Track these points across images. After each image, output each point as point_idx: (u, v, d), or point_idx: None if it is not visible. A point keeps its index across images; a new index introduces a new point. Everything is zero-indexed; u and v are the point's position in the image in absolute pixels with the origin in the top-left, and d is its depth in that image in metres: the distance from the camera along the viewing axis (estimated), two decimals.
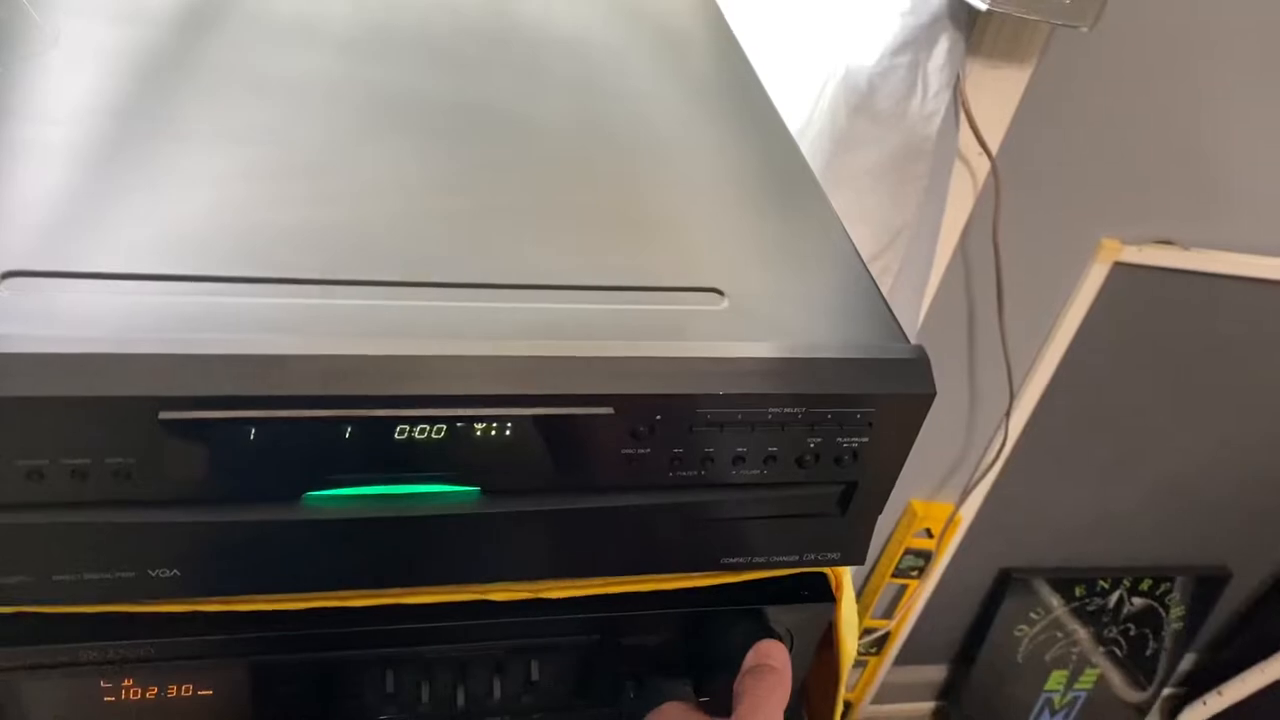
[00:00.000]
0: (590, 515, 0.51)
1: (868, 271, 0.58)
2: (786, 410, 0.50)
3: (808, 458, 0.52)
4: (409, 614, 0.53)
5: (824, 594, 0.61)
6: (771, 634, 0.59)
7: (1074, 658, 1.72)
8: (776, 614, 0.60)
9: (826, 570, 0.61)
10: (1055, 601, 1.63)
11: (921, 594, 1.54)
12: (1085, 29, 0.87)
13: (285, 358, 0.43)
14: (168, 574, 0.48)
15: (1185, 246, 1.22)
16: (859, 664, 1.65)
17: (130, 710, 0.53)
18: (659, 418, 0.48)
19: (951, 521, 1.43)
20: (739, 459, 0.51)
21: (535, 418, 0.47)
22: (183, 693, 0.54)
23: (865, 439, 0.52)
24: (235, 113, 0.58)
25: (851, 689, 1.69)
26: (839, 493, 0.55)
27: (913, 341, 0.53)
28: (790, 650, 0.60)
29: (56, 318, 0.43)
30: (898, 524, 1.48)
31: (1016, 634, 1.65)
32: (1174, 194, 1.19)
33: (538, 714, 0.59)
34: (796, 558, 0.58)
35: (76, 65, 0.59)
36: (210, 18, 0.66)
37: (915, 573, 1.49)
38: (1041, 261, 1.21)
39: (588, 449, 0.48)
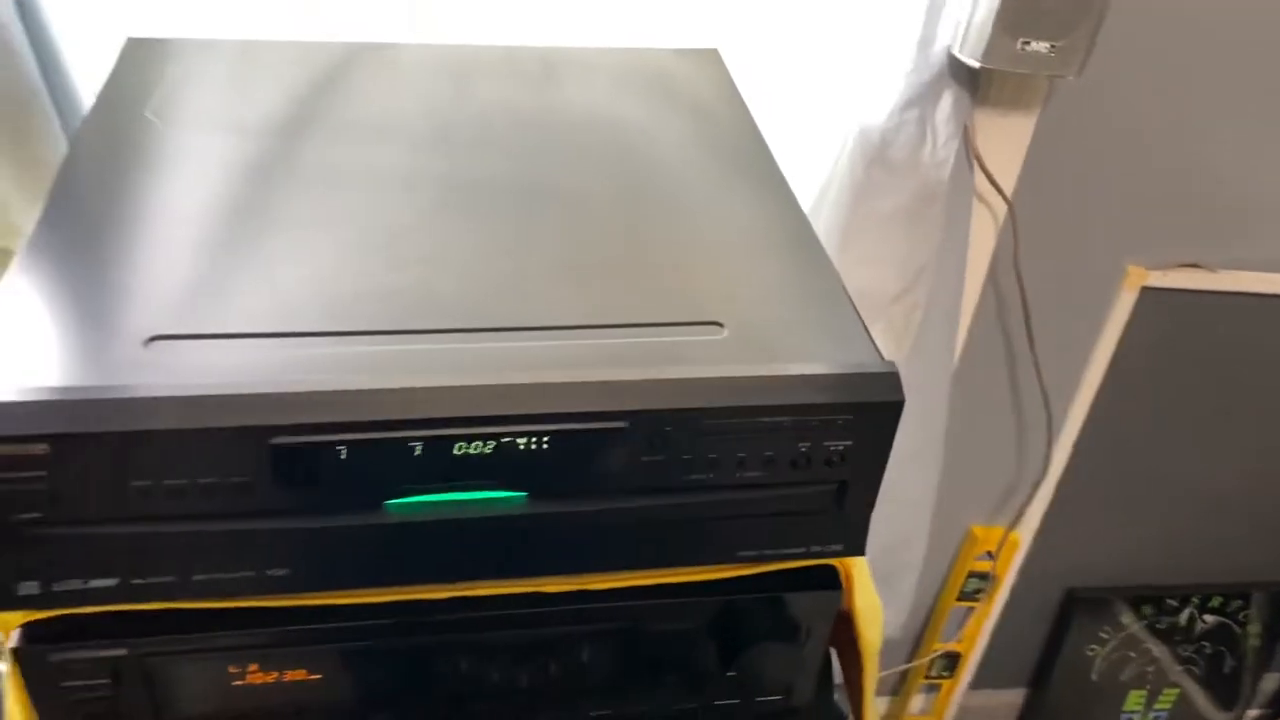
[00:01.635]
0: (618, 514, 0.62)
1: (852, 304, 0.68)
2: (778, 419, 0.60)
3: (800, 460, 0.62)
4: (476, 604, 0.64)
5: (832, 584, 0.70)
6: (787, 620, 0.69)
7: (1151, 677, 1.74)
8: (790, 600, 0.69)
9: (834, 562, 0.70)
10: (1125, 620, 1.66)
11: (989, 616, 1.59)
12: (1072, 78, 0.97)
13: (366, 392, 0.56)
14: (280, 573, 0.60)
15: (1212, 269, 1.28)
16: (933, 688, 1.70)
17: (254, 693, 0.65)
18: (668, 429, 0.59)
19: (1008, 543, 1.49)
20: (741, 463, 0.61)
21: (566, 432, 0.58)
22: (296, 676, 0.65)
23: (849, 441, 0.62)
24: (325, 201, 0.71)
25: (927, 712, 1.73)
26: (833, 491, 0.64)
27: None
28: (805, 636, 0.70)
29: (190, 369, 0.56)
30: (959, 549, 1.54)
31: (1089, 654, 1.68)
32: (1196, 218, 1.25)
33: (589, 695, 0.69)
34: (803, 550, 0.67)
35: (195, 168, 0.73)
36: (302, 124, 0.80)
37: (980, 595, 1.55)
38: (1070, 292, 1.28)
39: (612, 458, 0.59)
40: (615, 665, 0.69)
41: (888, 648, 1.53)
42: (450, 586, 0.64)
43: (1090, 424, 1.40)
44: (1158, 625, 1.69)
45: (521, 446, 0.58)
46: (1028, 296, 1.22)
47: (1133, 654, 1.70)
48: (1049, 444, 1.37)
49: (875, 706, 0.81)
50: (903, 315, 1.15)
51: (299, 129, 0.79)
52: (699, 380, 0.59)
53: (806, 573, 0.69)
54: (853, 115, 1.07)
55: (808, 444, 0.62)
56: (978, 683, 1.73)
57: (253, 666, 0.64)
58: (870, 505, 0.66)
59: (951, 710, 1.74)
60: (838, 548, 0.68)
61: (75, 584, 0.58)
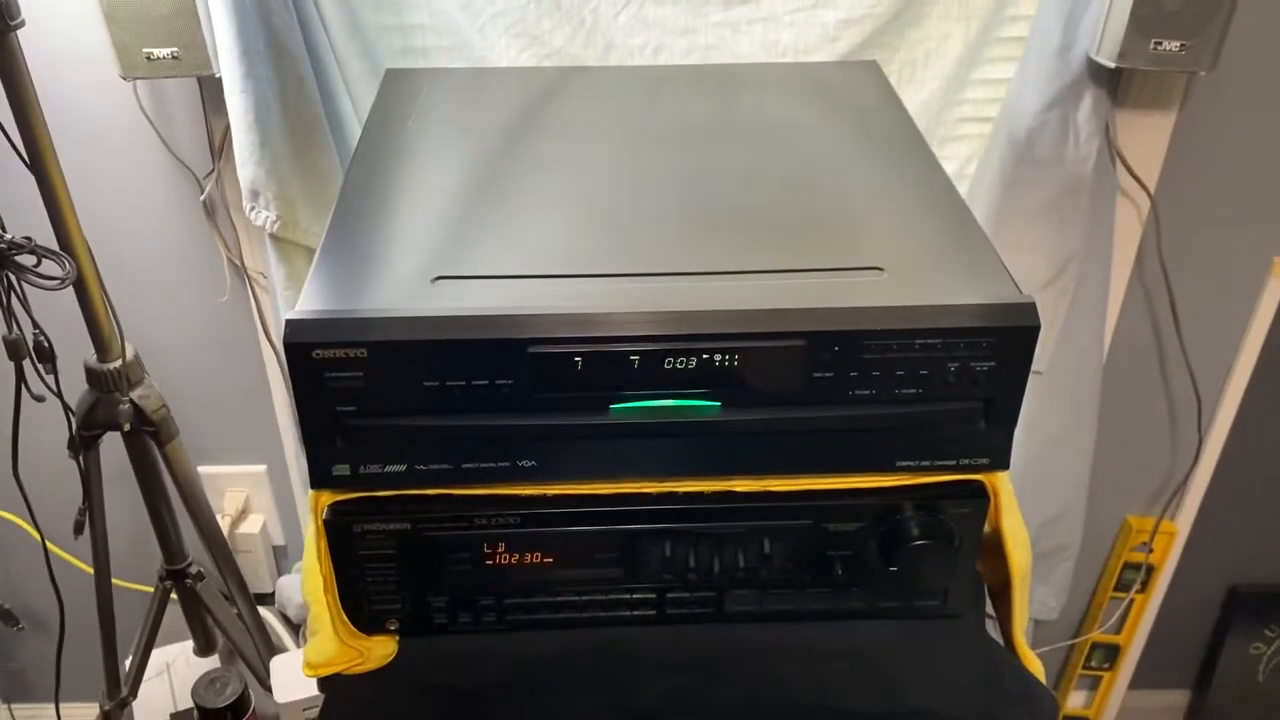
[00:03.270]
0: (795, 423, 0.75)
1: (995, 251, 0.80)
2: (929, 342, 0.73)
3: (950, 378, 0.74)
4: (680, 499, 0.79)
5: (981, 495, 0.81)
6: (941, 525, 0.80)
7: None
8: (943, 506, 0.80)
9: (981, 477, 0.81)
10: None
11: (1148, 609, 1.63)
12: (1204, 73, 1.06)
13: (597, 315, 0.71)
14: (528, 464, 0.76)
15: None
16: (1093, 680, 1.74)
17: (501, 573, 0.81)
18: (837, 348, 0.72)
19: (1164, 534, 1.54)
20: (899, 380, 0.74)
21: (752, 350, 0.72)
22: (533, 559, 0.81)
23: (992, 363, 0.74)
24: (552, 183, 0.88)
25: (1088, 706, 1.77)
26: (980, 407, 0.76)
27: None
28: (957, 542, 0.81)
29: (466, 298, 0.73)
30: (1115, 539, 1.60)
31: (1253, 652, 1.69)
32: None
33: (772, 586, 0.82)
34: (954, 463, 0.79)
35: (452, 161, 0.91)
36: (529, 128, 0.98)
37: (1138, 587, 1.60)
38: (1216, 282, 1.35)
39: (790, 373, 0.73)
40: (794, 559, 0.81)
41: (1046, 632, 1.59)
42: (659, 481, 0.78)
43: (1244, 414, 1.45)
44: None
45: (717, 362, 0.72)
46: (1173, 286, 1.29)
47: None
48: (1200, 432, 1.43)
49: (1025, 635, 0.91)
50: (1054, 299, 1.25)
51: (527, 132, 0.97)
52: (863, 309, 0.73)
53: (959, 485, 0.81)
54: (1001, 116, 1.19)
55: (956, 364, 0.74)
56: (1138, 682, 1.76)
57: (501, 546, 0.80)
58: (1012, 423, 0.77)
59: (1112, 709, 1.77)
60: (984, 461, 0.79)
61: (375, 468, 0.76)
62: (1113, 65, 1.08)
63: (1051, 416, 1.34)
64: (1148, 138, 1.23)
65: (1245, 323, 1.38)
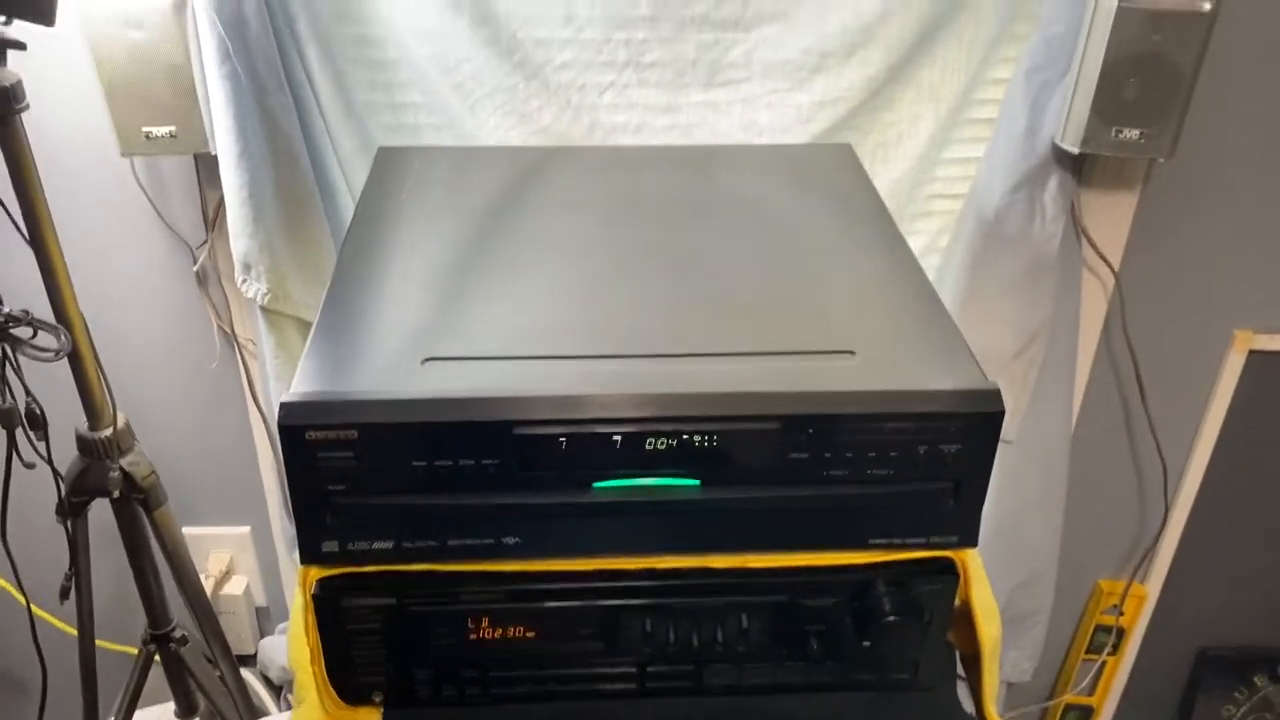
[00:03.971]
0: (771, 501, 0.78)
1: (961, 337, 0.83)
2: (900, 425, 0.76)
3: (919, 460, 0.77)
4: (659, 575, 0.81)
5: (950, 572, 0.84)
6: (912, 601, 0.83)
7: None
8: (915, 584, 0.83)
9: (951, 554, 0.84)
10: (1258, 680, 1.69)
11: (1119, 670, 1.66)
12: (1163, 160, 1.11)
13: (581, 397, 0.74)
14: (513, 541, 0.78)
15: None
16: None
17: (484, 647, 0.83)
18: (811, 431, 0.75)
19: (1135, 597, 1.57)
20: (870, 461, 0.77)
21: (730, 431, 0.75)
22: (516, 633, 0.83)
23: (959, 445, 0.77)
24: (539, 262, 0.92)
25: None
26: (948, 488, 0.79)
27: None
28: (928, 618, 0.84)
29: (454, 380, 0.76)
30: (1087, 602, 1.63)
31: (1224, 714, 1.72)
32: None
33: (749, 659, 0.85)
34: (924, 540, 0.82)
35: (442, 239, 0.94)
36: (517, 205, 1.02)
37: (1110, 649, 1.62)
38: (1180, 354, 1.39)
39: (766, 454, 0.76)
40: (771, 633, 0.84)
41: (1020, 694, 1.62)
42: (639, 558, 0.81)
43: (1209, 480, 1.49)
44: None
45: (696, 443, 0.75)
46: (1138, 358, 1.34)
47: (1268, 716, 1.73)
48: (1166, 499, 1.46)
49: (995, 704, 0.93)
50: (1022, 371, 1.29)
51: (515, 212, 1.01)
52: (836, 393, 0.76)
53: (929, 562, 0.83)
54: (971, 194, 1.24)
55: (925, 446, 0.77)
56: None
57: (485, 620, 0.82)
58: (980, 503, 0.80)
59: None
60: (953, 539, 0.82)
61: (362, 545, 0.78)
62: (1077, 151, 1.12)
63: (1022, 483, 1.37)
64: (1111, 217, 1.28)
65: (1209, 393, 1.43)
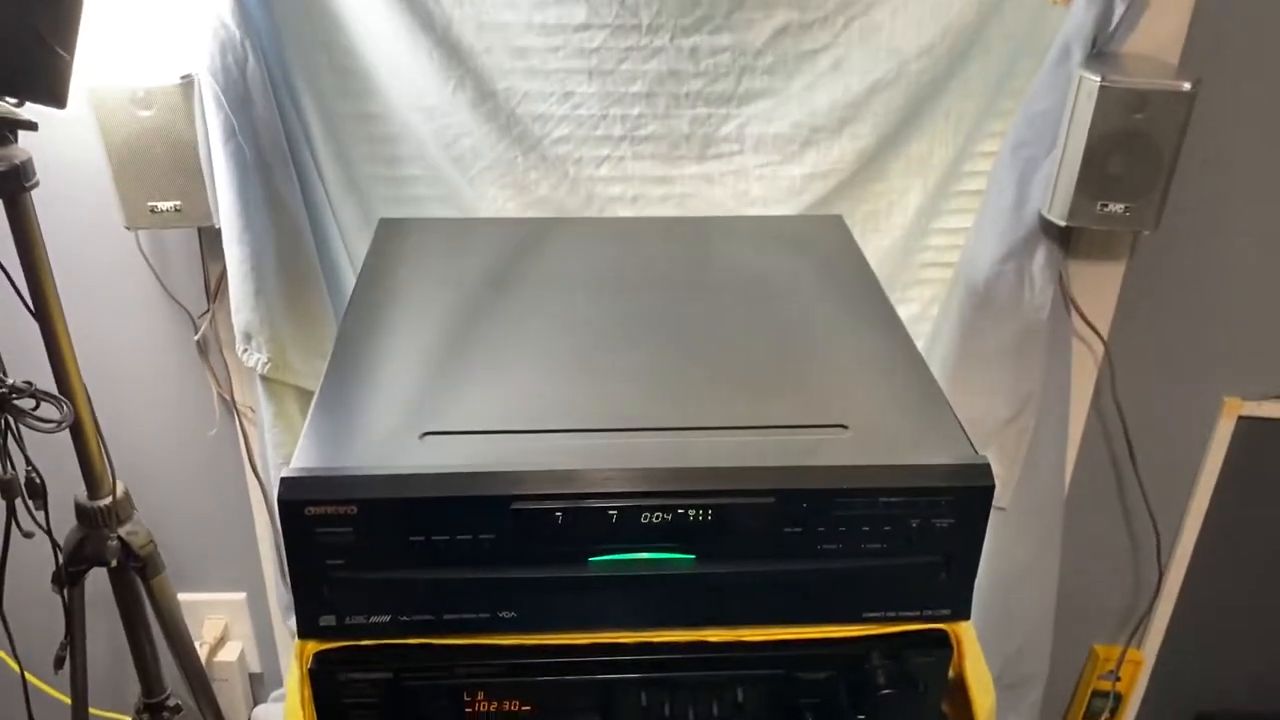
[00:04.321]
0: (766, 575, 0.79)
1: (952, 411, 0.85)
2: (892, 500, 0.77)
3: (911, 534, 0.78)
4: (655, 649, 0.82)
5: (944, 644, 0.84)
6: (907, 674, 0.83)
7: None
8: (910, 656, 0.83)
9: (945, 627, 0.84)
10: None
11: None
12: (1148, 232, 1.13)
13: (577, 472, 0.75)
14: (508, 615, 0.79)
15: None
16: None
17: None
18: (805, 505, 0.77)
19: (1131, 662, 1.57)
20: (864, 535, 0.78)
21: (725, 506, 0.76)
22: (512, 707, 0.83)
23: (951, 520, 0.78)
24: (538, 336, 0.93)
25: None
26: (940, 561, 0.80)
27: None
28: (922, 690, 0.84)
29: (452, 454, 0.77)
30: (1083, 668, 1.62)
31: None
32: None
33: None
34: (918, 613, 0.83)
35: (441, 313, 0.96)
36: (515, 278, 1.03)
37: (1107, 715, 1.62)
38: (1170, 421, 1.41)
39: (760, 528, 0.77)
40: (767, 707, 0.84)
41: None
42: (635, 632, 0.81)
43: (1202, 546, 1.49)
44: None
45: (691, 517, 0.76)
46: (1129, 426, 1.35)
47: None
48: (1160, 564, 1.47)
49: None
50: (1014, 439, 1.30)
51: (512, 285, 1.03)
52: (830, 468, 0.77)
53: (924, 635, 0.84)
54: (960, 264, 1.26)
55: (918, 520, 0.78)
56: None
57: (480, 695, 0.82)
58: (972, 576, 0.81)
59: None
60: (946, 612, 0.83)
61: (360, 619, 0.78)
62: (1064, 224, 1.15)
63: (1016, 549, 1.38)
64: (1099, 287, 1.30)
65: (1199, 459, 1.44)
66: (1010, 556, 1.38)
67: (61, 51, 0.88)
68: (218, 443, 1.39)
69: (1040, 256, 1.22)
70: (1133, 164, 1.11)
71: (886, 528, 0.78)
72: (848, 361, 0.92)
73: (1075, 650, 1.60)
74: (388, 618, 0.79)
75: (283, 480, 0.74)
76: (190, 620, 1.29)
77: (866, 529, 0.78)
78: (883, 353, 0.94)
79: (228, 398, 1.34)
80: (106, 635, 1.32)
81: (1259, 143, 1.24)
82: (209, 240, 1.22)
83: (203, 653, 1.52)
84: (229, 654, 1.58)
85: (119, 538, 1.12)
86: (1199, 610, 1.56)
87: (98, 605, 1.24)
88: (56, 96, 0.89)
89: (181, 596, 1.45)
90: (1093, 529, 1.47)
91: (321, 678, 0.80)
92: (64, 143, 1.13)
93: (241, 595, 1.55)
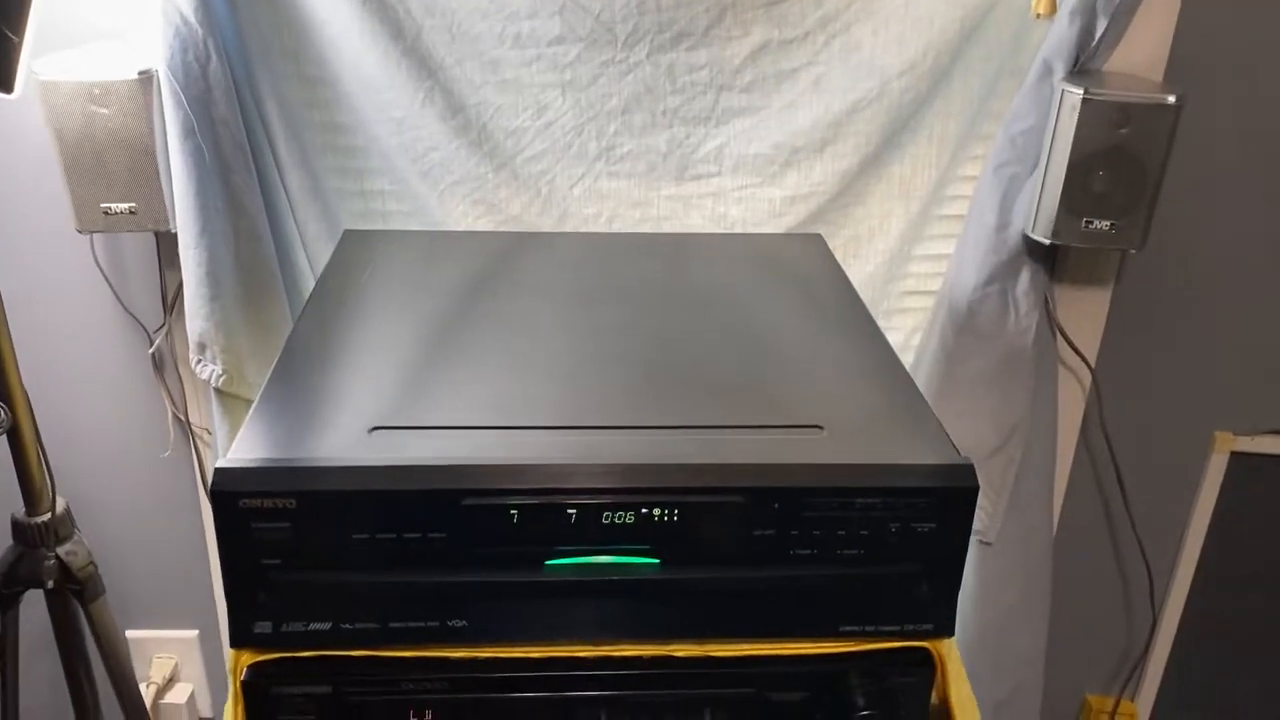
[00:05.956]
0: (735, 582, 0.74)
1: (934, 415, 0.80)
2: (869, 501, 0.73)
3: (891, 539, 0.73)
4: (617, 664, 0.76)
5: (927, 663, 0.79)
6: (887, 694, 0.78)
7: None
8: (890, 676, 0.78)
9: (928, 644, 0.79)
10: None
11: None
12: (1134, 251, 1.10)
13: (534, 466, 0.70)
14: (458, 624, 0.73)
15: None
16: None
17: None
18: (777, 506, 0.72)
19: (1121, 713, 1.50)
20: (840, 540, 0.73)
21: (692, 505, 0.71)
22: None
23: (933, 524, 0.74)
24: (500, 338, 0.89)
25: None
26: (921, 570, 0.75)
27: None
28: (903, 712, 0.78)
29: (401, 449, 0.72)
30: (1076, 719, 1.56)
31: None
32: (1276, 387, 1.34)
33: None
34: (898, 628, 0.77)
35: (399, 317, 0.92)
36: (481, 288, 0.99)
37: None
38: (1160, 455, 1.36)
39: (729, 530, 0.72)
40: None
41: None
42: (595, 645, 0.76)
43: (1198, 589, 1.44)
44: None
45: (657, 517, 0.71)
46: (1118, 459, 1.31)
47: None
48: (1154, 608, 1.41)
49: None
50: (1000, 469, 1.25)
51: (477, 291, 0.99)
52: (803, 465, 0.73)
53: (905, 653, 0.78)
54: (943, 289, 1.23)
55: (897, 524, 0.73)
56: None
57: (428, 713, 0.76)
58: (955, 588, 0.76)
59: None
60: (928, 627, 0.77)
61: (298, 626, 0.73)
62: (1047, 242, 1.12)
63: (1004, 590, 1.32)
64: (1086, 312, 1.27)
65: (1192, 497, 1.39)
66: (999, 597, 1.33)
67: (10, 34, 0.85)
68: (171, 466, 1.33)
69: (1024, 279, 1.19)
70: (1117, 180, 1.08)
71: (863, 532, 0.73)
72: (824, 366, 0.88)
73: (1067, 700, 1.54)
74: (328, 625, 0.73)
75: (217, 470, 0.69)
76: (137, 660, 1.22)
77: (842, 533, 0.73)
78: (860, 357, 0.89)
79: (183, 418, 1.29)
80: (46, 674, 1.25)
81: (1244, 160, 1.22)
82: (166, 247, 1.18)
83: (149, 694, 1.45)
84: (178, 696, 1.50)
85: (57, 557, 1.06)
86: (1194, 659, 1.50)
87: (35, 643, 1.17)
88: (2, 81, 0.86)
89: (129, 633, 1.39)
90: (1083, 569, 1.42)
91: (256, 691, 0.74)
92: (12, 140, 1.09)
93: (193, 633, 1.48)
